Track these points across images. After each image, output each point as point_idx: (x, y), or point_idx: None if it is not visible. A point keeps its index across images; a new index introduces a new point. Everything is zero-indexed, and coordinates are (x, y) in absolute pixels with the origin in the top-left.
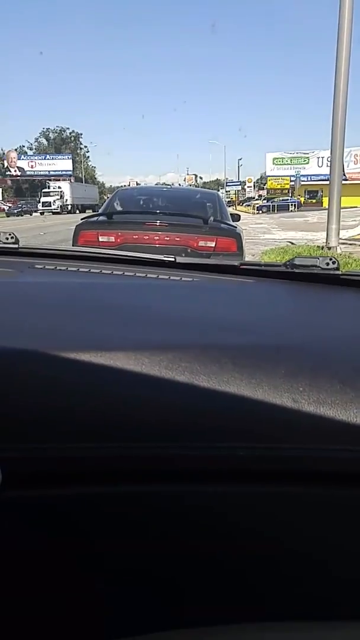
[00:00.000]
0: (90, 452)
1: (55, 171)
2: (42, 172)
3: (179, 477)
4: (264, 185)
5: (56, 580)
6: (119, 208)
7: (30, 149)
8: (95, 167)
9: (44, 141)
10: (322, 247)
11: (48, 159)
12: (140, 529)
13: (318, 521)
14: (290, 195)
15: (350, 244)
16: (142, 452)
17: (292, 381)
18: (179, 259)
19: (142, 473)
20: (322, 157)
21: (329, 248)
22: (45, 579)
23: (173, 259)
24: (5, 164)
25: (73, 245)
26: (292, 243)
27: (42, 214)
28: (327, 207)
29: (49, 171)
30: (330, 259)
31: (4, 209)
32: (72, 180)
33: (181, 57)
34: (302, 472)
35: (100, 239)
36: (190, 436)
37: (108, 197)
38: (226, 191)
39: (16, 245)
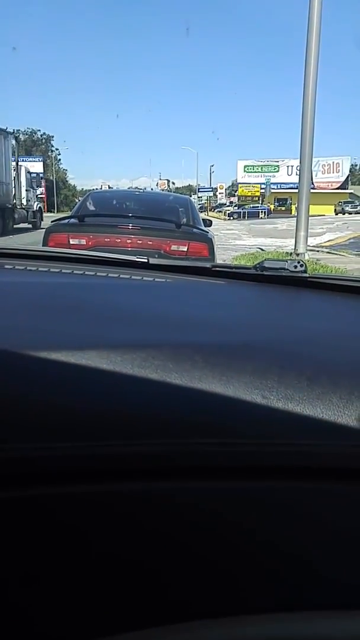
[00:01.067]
0: (59, 452)
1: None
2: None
3: (151, 473)
4: (235, 192)
5: (50, 578)
6: (91, 211)
7: None
8: (66, 170)
9: (14, 142)
10: (291, 254)
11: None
12: (110, 525)
13: (287, 514)
14: (260, 202)
15: (318, 251)
16: (112, 450)
17: (261, 378)
18: (152, 260)
19: (111, 471)
20: (292, 166)
21: (297, 254)
22: (39, 578)
23: (146, 260)
24: None
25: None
26: (262, 249)
27: None
28: (295, 214)
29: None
30: (298, 262)
31: None
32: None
33: (156, 60)
34: (271, 467)
35: (71, 242)
36: (162, 433)
37: (79, 200)
38: (198, 197)
39: None
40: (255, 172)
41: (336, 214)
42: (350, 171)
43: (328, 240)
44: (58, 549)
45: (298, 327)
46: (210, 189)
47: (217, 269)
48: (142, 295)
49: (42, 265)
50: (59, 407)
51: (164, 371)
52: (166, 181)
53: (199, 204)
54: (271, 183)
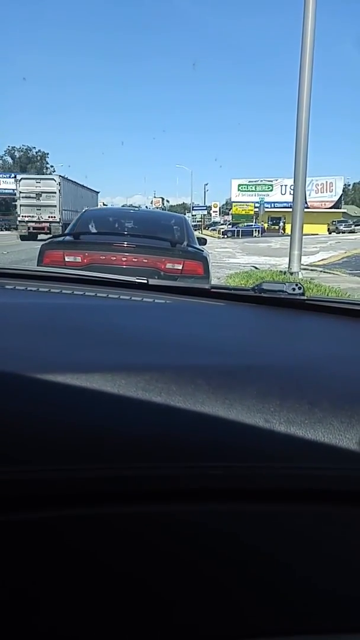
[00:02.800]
0: (65, 474)
1: None
2: (7, 191)
3: (153, 497)
4: (229, 210)
5: (57, 598)
6: (86, 229)
7: None
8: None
9: (9, 159)
10: (285, 272)
11: (14, 177)
12: (112, 548)
13: (289, 537)
14: (254, 221)
15: (312, 270)
16: (116, 473)
17: (263, 401)
18: (152, 281)
19: (115, 494)
20: (286, 185)
21: (291, 273)
22: (45, 599)
23: (145, 281)
24: None
25: (38, 265)
26: (256, 268)
27: None
28: (289, 233)
29: (13, 189)
30: (296, 285)
31: None
32: None
33: (156, 83)
34: (273, 490)
35: (67, 259)
36: (165, 456)
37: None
38: (192, 215)
39: None
40: (249, 190)
41: (330, 233)
42: (343, 190)
43: (321, 259)
44: (64, 570)
45: (298, 351)
46: (205, 207)
47: (216, 290)
48: (143, 317)
49: (42, 285)
50: (62, 430)
51: (167, 394)
52: (160, 199)
53: (194, 223)
54: (265, 202)
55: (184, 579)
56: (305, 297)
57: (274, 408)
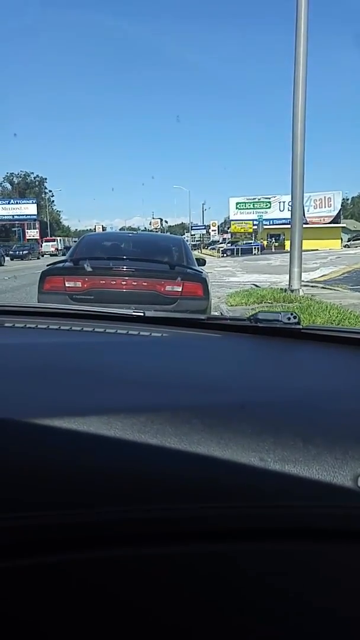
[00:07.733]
0: (61, 519)
1: (20, 215)
2: (6, 217)
3: (149, 539)
4: (228, 229)
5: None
6: (85, 254)
7: None
8: (60, 212)
9: (8, 186)
10: (285, 290)
11: (12, 203)
12: (100, 595)
13: (286, 576)
14: (253, 238)
15: (312, 286)
16: (113, 516)
17: (257, 440)
18: (148, 313)
19: (112, 537)
20: (284, 202)
21: (292, 290)
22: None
23: (142, 314)
24: None
25: (39, 291)
26: (257, 285)
27: None
28: (289, 250)
29: (13, 215)
30: (292, 314)
31: None
32: (37, 225)
33: (153, 104)
34: (269, 529)
35: (67, 285)
36: (162, 498)
37: (74, 242)
38: (192, 235)
39: None
40: (247, 208)
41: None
42: (342, 205)
43: (322, 275)
44: (69, 614)
45: (292, 385)
46: (203, 227)
47: (212, 321)
48: (139, 354)
49: (41, 322)
50: (59, 475)
51: (163, 435)
52: (159, 220)
53: (193, 242)
54: (263, 219)
55: (184, 619)
56: (301, 327)
57: (269, 446)
